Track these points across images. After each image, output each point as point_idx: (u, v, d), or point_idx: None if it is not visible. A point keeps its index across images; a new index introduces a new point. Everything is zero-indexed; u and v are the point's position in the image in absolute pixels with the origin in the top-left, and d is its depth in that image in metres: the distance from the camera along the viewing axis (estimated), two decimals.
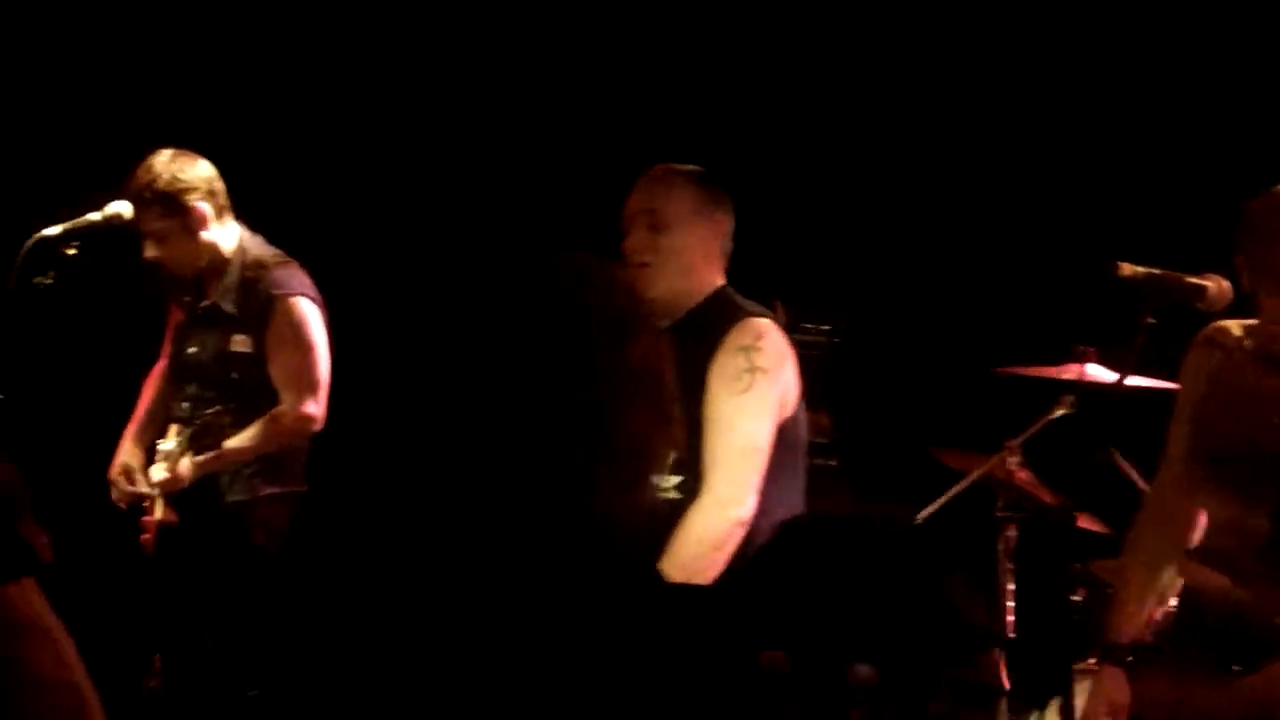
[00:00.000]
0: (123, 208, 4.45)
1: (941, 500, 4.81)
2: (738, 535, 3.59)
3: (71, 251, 4.35)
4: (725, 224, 3.84)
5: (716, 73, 5.96)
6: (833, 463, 5.25)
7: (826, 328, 5.38)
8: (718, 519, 3.57)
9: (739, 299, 3.80)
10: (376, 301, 5.59)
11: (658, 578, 2.20)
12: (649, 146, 4.30)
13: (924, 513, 4.80)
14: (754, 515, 3.61)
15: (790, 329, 5.47)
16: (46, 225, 4.36)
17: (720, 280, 3.82)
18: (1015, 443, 4.84)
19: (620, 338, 2.18)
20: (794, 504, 3.78)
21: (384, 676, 2.11)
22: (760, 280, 5.40)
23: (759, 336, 3.68)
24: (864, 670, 3.80)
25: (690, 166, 3.87)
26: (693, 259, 3.75)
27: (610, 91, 5.99)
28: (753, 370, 3.63)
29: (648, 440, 2.19)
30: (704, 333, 3.70)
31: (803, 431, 3.84)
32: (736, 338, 3.66)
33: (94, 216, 4.38)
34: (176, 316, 4.77)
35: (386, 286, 5.71)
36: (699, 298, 3.76)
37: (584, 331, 2.18)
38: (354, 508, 4.90)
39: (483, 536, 2.16)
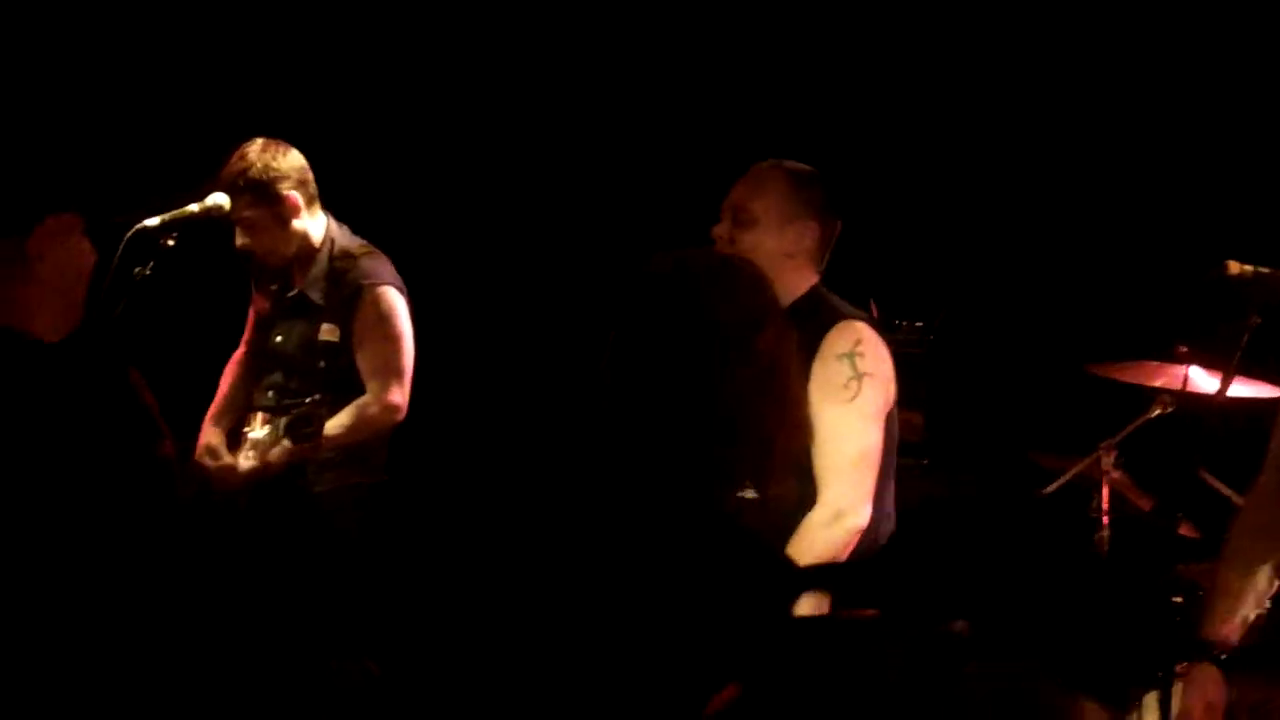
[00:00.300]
0: (222, 199, 4.45)
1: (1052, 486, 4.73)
2: (854, 543, 3.56)
3: (170, 242, 4.32)
4: (818, 227, 3.77)
5: (814, 71, 5.90)
6: (924, 462, 5.19)
7: (920, 325, 5.32)
8: (836, 531, 3.53)
9: (833, 299, 3.75)
10: (459, 292, 5.58)
11: (788, 568, 2.20)
12: (742, 143, 4.26)
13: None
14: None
15: (883, 327, 5.45)
16: (134, 216, 4.35)
17: (812, 281, 3.77)
18: (1110, 443, 4.77)
19: (749, 333, 2.18)
20: (886, 502, 3.73)
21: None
22: (854, 277, 5.37)
23: (859, 341, 3.64)
24: (959, 624, 3.73)
25: (796, 165, 3.81)
26: (774, 258, 3.63)
27: (702, 88, 5.95)
28: (859, 377, 3.59)
29: (775, 435, 2.20)
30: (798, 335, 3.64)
31: (895, 429, 3.78)
32: (836, 343, 3.62)
33: (193, 208, 4.36)
34: (259, 305, 4.78)
35: (471, 278, 5.70)
36: (788, 299, 3.64)
37: (715, 326, 2.17)
38: (455, 498, 4.90)
39: (619, 530, 2.15)
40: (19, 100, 5.35)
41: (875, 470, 3.60)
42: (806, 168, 3.83)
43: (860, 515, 3.56)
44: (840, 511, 3.53)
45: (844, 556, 3.52)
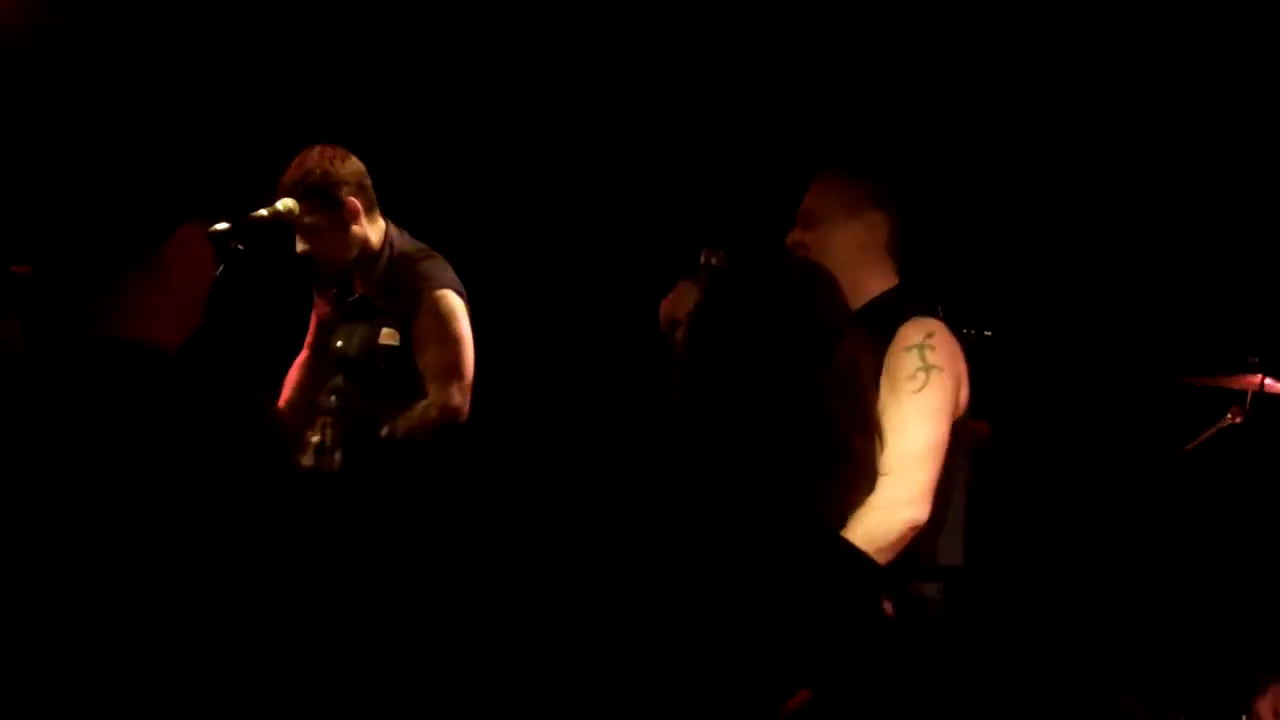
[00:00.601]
0: (292, 204, 4.49)
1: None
2: (908, 539, 3.48)
3: (239, 246, 4.35)
4: (886, 219, 3.74)
5: (882, 75, 5.88)
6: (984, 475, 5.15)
7: (988, 334, 5.27)
8: (892, 522, 3.45)
9: (905, 300, 3.72)
10: (514, 297, 5.60)
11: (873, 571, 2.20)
12: (806, 151, 4.25)
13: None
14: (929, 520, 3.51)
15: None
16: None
17: (889, 283, 3.74)
18: (1180, 455, 4.72)
19: (831, 336, 2.19)
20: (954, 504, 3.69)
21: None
22: (923, 283, 5.33)
23: (930, 334, 3.59)
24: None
25: (857, 169, 3.81)
26: (843, 258, 3.62)
27: (767, 94, 5.94)
28: (926, 369, 3.54)
29: (853, 439, 2.24)
30: (871, 334, 3.54)
31: (965, 438, 3.73)
32: (907, 336, 3.58)
33: (263, 212, 4.41)
34: (321, 309, 4.82)
35: (528, 282, 5.72)
36: (862, 300, 3.66)
37: (797, 333, 2.18)
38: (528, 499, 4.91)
39: (694, 532, 2.15)
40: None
41: (938, 467, 3.52)
42: (863, 171, 3.81)
43: (919, 511, 3.48)
44: (897, 503, 3.45)
45: (895, 551, 3.45)
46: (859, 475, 2.48)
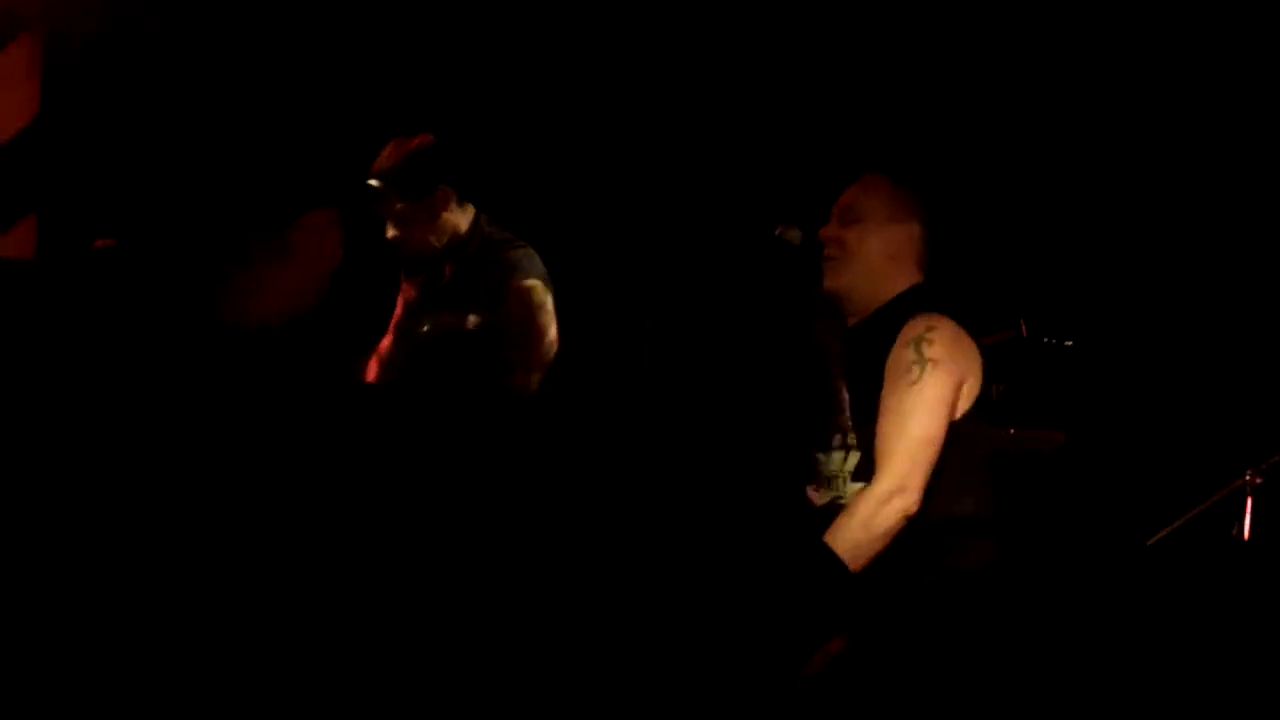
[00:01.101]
0: (378, 186, 4.57)
1: (1178, 522, 4.68)
2: (900, 528, 3.58)
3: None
4: (920, 230, 3.85)
5: (972, 92, 5.86)
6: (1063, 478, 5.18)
7: (1069, 344, 5.28)
8: (886, 510, 3.58)
9: (923, 299, 3.79)
10: (606, 285, 5.63)
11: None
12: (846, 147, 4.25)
13: (1158, 535, 4.68)
14: (920, 510, 3.60)
15: (1031, 343, 5.41)
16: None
17: (913, 282, 3.83)
18: (1259, 469, 4.69)
19: (799, 318, 2.23)
20: (976, 506, 3.76)
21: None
22: (1006, 294, 5.33)
23: (930, 329, 3.67)
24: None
25: (901, 176, 3.91)
26: (877, 258, 3.78)
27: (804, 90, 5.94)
28: (922, 362, 3.63)
29: (817, 414, 2.24)
30: (885, 330, 3.74)
31: (982, 434, 3.82)
32: (909, 330, 3.68)
33: (354, 196, 4.48)
34: (408, 295, 4.86)
35: (614, 272, 5.74)
36: (887, 298, 3.78)
37: (768, 310, 2.23)
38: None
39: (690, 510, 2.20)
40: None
41: (934, 459, 3.61)
42: (898, 176, 3.92)
43: (911, 499, 3.58)
44: (890, 491, 3.58)
45: (888, 538, 3.56)
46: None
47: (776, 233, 3.85)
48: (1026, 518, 4.75)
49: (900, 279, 3.80)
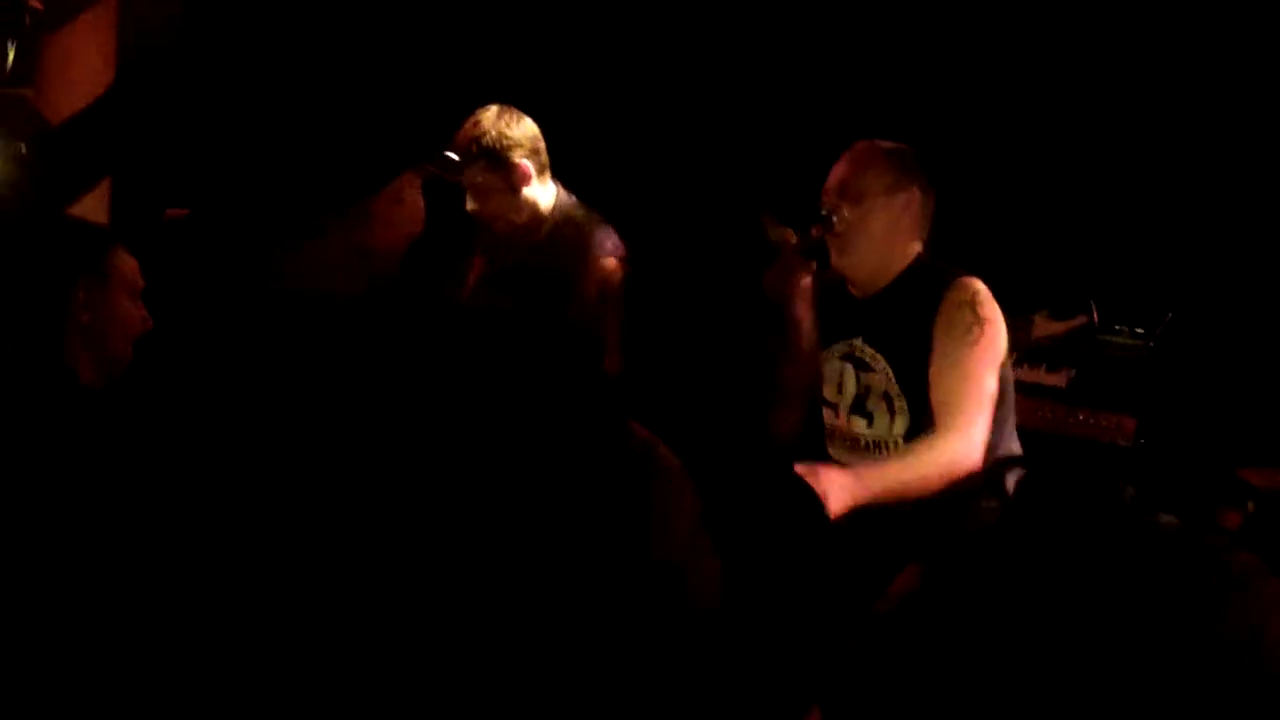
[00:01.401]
0: (455, 158, 4.54)
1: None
2: (952, 480, 3.63)
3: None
4: (919, 199, 3.92)
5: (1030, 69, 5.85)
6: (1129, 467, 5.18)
7: (1140, 331, 5.28)
8: (949, 456, 3.64)
9: (944, 265, 3.91)
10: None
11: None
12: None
13: None
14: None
15: (1102, 329, 5.41)
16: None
17: (918, 250, 3.94)
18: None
19: (751, 272, 2.28)
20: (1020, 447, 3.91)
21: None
22: (1076, 278, 5.33)
23: (976, 292, 3.80)
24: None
25: (889, 143, 3.95)
26: (883, 231, 3.88)
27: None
28: (980, 322, 3.76)
29: (781, 365, 2.31)
30: (915, 297, 3.85)
31: (1011, 383, 3.92)
32: (956, 295, 3.79)
33: (430, 166, 4.47)
34: (485, 269, 4.85)
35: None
36: (898, 268, 3.90)
37: (718, 266, 2.28)
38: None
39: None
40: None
41: (989, 417, 3.73)
42: (896, 144, 3.96)
43: (973, 455, 3.66)
44: (958, 439, 3.66)
45: (939, 484, 3.60)
46: (795, 401, 2.56)
47: (824, 213, 3.90)
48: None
49: (908, 246, 3.92)
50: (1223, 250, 5.69)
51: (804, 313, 2.35)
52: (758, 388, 2.31)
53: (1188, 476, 5.22)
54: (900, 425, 3.86)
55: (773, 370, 2.31)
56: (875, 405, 3.90)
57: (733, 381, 2.29)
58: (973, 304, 3.78)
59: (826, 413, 4.01)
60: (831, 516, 3.43)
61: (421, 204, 2.70)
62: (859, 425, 3.94)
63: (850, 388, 3.96)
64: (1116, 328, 5.28)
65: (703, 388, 2.29)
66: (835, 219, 3.87)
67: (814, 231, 3.88)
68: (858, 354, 3.93)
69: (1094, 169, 5.64)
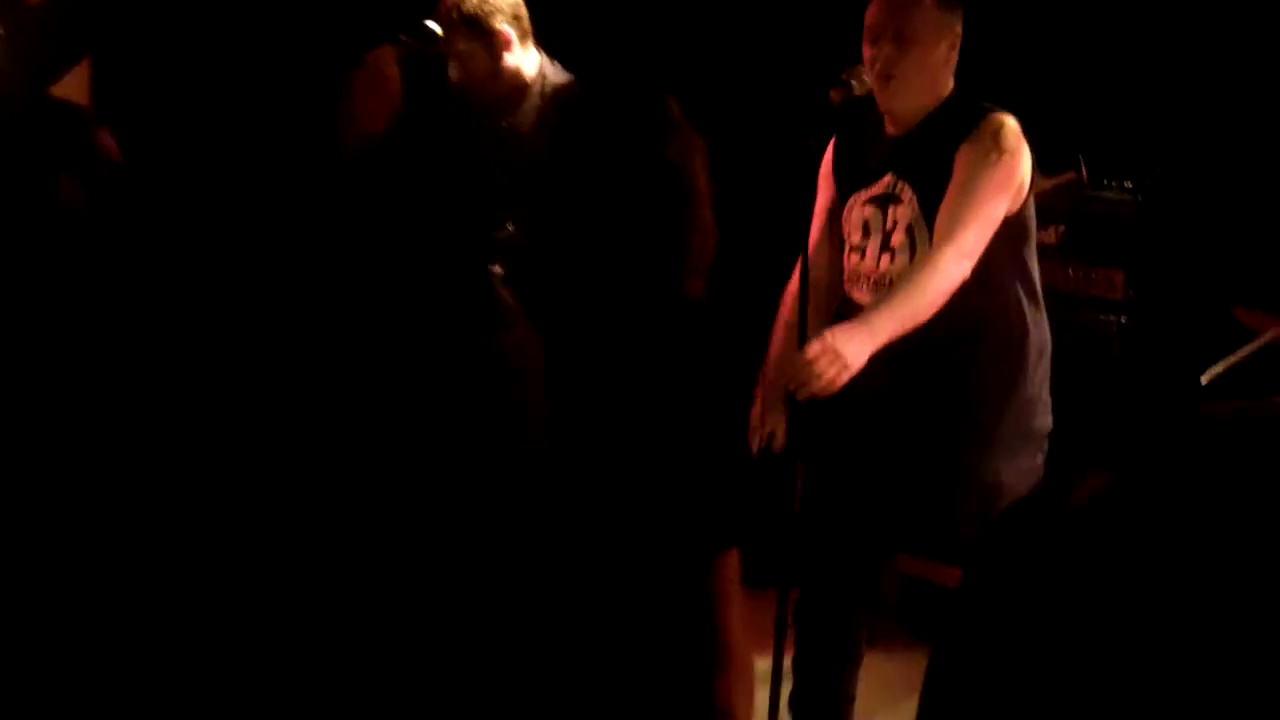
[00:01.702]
0: (436, 28, 4.51)
1: (1231, 360, 4.68)
2: (952, 290, 3.76)
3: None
4: (959, 30, 3.97)
5: None
6: (1121, 320, 5.18)
7: (1129, 185, 5.28)
8: (951, 270, 3.75)
9: (977, 101, 3.96)
10: None
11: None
12: None
13: (1211, 372, 4.68)
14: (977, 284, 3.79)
15: (1092, 185, 5.40)
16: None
17: (951, 81, 3.99)
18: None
19: (654, 143, 2.34)
20: (1024, 294, 3.98)
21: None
22: (1062, 133, 5.29)
23: (1004, 125, 3.87)
24: None
25: None
26: (932, 73, 3.94)
27: None
28: (1000, 150, 3.82)
29: (687, 236, 2.39)
30: (947, 132, 3.91)
31: (1032, 222, 4.01)
32: (987, 126, 3.87)
33: (432, 25, 4.42)
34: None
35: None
36: (934, 105, 3.95)
37: (620, 140, 2.34)
38: None
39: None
40: None
41: (987, 233, 3.81)
42: None
43: (968, 267, 3.77)
44: (960, 252, 3.76)
45: (942, 299, 3.73)
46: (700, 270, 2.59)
47: (843, 77, 3.90)
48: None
49: (946, 83, 3.98)
50: (1209, 100, 5.65)
51: (704, 183, 2.42)
52: (665, 254, 2.36)
53: (1182, 323, 5.24)
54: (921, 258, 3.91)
55: (679, 238, 2.36)
56: (900, 240, 3.97)
57: (641, 249, 2.33)
58: (995, 135, 3.84)
59: (852, 257, 4.07)
60: (852, 372, 3.57)
61: (398, 78, 2.72)
62: (884, 263, 4.00)
63: (878, 226, 4.02)
64: (1105, 182, 5.28)
65: (612, 255, 2.33)
66: (855, 83, 3.89)
67: (833, 95, 3.90)
68: (887, 190, 4.00)
69: (1077, 23, 5.60)
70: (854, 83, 3.89)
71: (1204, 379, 4.62)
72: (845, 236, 4.10)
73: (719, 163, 2.60)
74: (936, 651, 2.50)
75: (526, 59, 4.66)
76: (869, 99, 3.95)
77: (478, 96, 4.69)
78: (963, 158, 3.84)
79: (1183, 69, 5.66)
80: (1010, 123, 3.87)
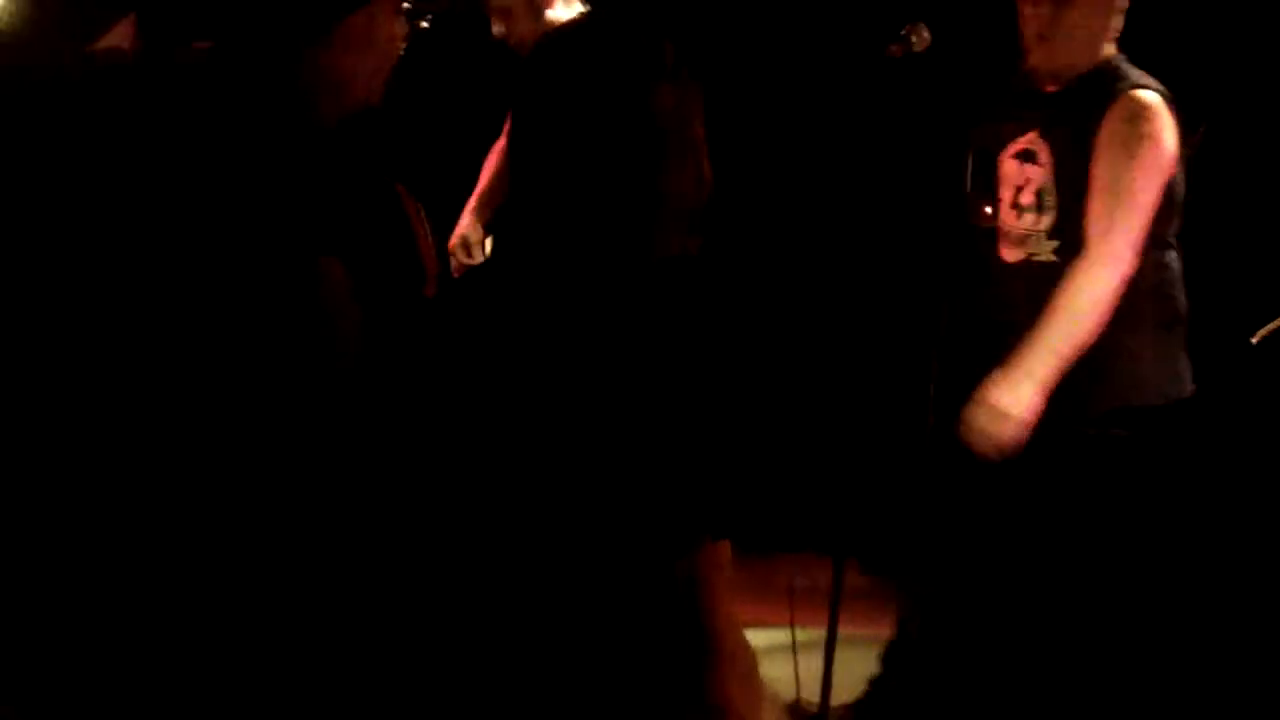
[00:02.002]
0: None
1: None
2: (1118, 293, 3.74)
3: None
4: (1122, 6, 3.94)
5: None
6: None
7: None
8: (1109, 277, 3.73)
9: (1130, 69, 3.90)
10: None
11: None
12: None
13: (1261, 332, 4.60)
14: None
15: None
16: None
17: (1112, 50, 3.94)
18: None
19: (641, 91, 2.22)
20: (1171, 276, 4.01)
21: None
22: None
23: (1146, 106, 3.83)
24: None
25: None
26: (1092, 33, 3.89)
27: None
28: (1142, 137, 3.78)
29: (671, 187, 2.25)
30: (1092, 99, 3.86)
31: (1180, 195, 3.96)
32: (1124, 106, 3.81)
33: None
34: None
35: None
36: (1090, 66, 3.89)
37: (602, 86, 2.25)
38: None
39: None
40: None
41: (1146, 227, 3.78)
42: None
43: (1126, 268, 3.74)
44: (1112, 258, 3.74)
45: (1109, 306, 3.72)
46: (680, 221, 2.43)
47: (903, 32, 3.92)
48: None
49: (1104, 46, 3.93)
50: (1256, 60, 4.97)
51: (699, 132, 2.32)
52: (641, 202, 2.23)
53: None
54: (1046, 222, 3.92)
55: (655, 186, 2.24)
56: (1029, 200, 3.94)
57: (615, 196, 2.22)
58: (1137, 119, 3.78)
59: (1001, 208, 4.03)
60: (1027, 423, 3.56)
61: (397, 31, 2.70)
62: (1012, 219, 3.98)
63: (1014, 181, 4.00)
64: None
65: (587, 202, 2.22)
66: (914, 39, 3.85)
67: (893, 50, 3.88)
68: (1029, 147, 3.97)
69: None
70: (914, 39, 3.86)
71: (1254, 338, 4.54)
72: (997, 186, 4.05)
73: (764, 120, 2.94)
74: None
75: (567, 12, 4.63)
76: (928, 54, 3.91)
77: (517, 52, 4.65)
78: (1103, 145, 3.78)
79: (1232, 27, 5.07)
80: (1150, 101, 3.80)
